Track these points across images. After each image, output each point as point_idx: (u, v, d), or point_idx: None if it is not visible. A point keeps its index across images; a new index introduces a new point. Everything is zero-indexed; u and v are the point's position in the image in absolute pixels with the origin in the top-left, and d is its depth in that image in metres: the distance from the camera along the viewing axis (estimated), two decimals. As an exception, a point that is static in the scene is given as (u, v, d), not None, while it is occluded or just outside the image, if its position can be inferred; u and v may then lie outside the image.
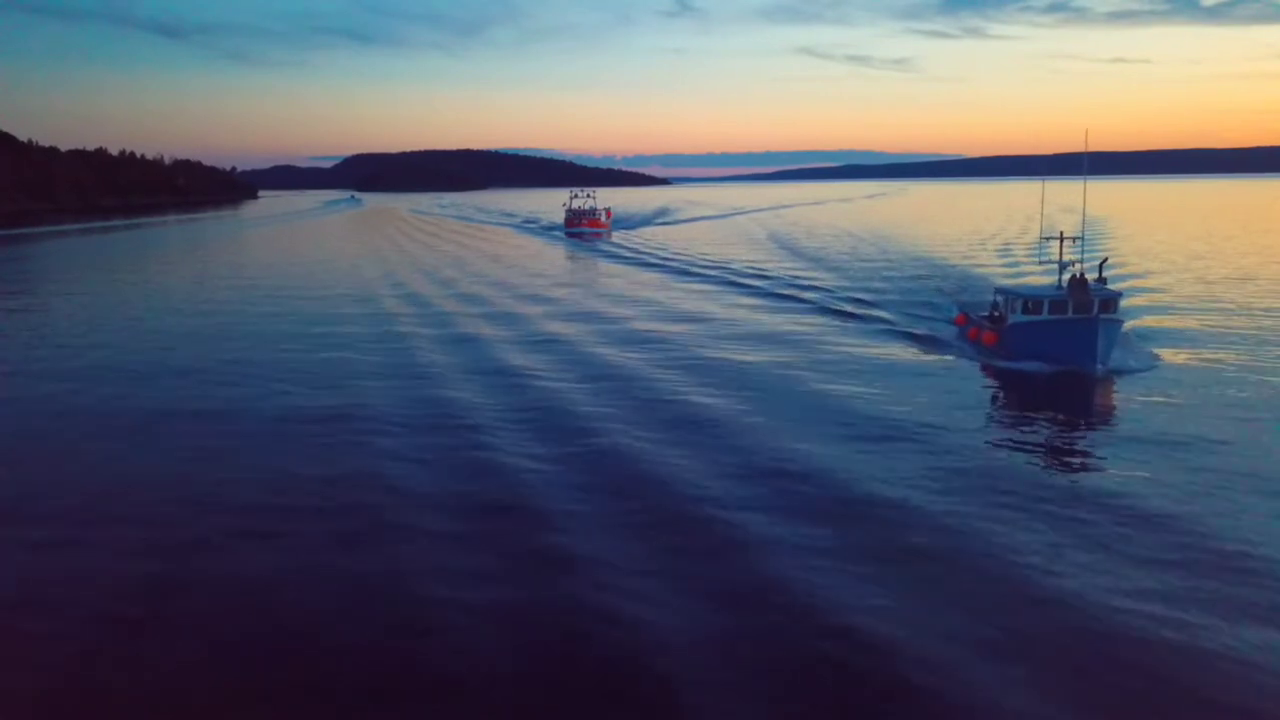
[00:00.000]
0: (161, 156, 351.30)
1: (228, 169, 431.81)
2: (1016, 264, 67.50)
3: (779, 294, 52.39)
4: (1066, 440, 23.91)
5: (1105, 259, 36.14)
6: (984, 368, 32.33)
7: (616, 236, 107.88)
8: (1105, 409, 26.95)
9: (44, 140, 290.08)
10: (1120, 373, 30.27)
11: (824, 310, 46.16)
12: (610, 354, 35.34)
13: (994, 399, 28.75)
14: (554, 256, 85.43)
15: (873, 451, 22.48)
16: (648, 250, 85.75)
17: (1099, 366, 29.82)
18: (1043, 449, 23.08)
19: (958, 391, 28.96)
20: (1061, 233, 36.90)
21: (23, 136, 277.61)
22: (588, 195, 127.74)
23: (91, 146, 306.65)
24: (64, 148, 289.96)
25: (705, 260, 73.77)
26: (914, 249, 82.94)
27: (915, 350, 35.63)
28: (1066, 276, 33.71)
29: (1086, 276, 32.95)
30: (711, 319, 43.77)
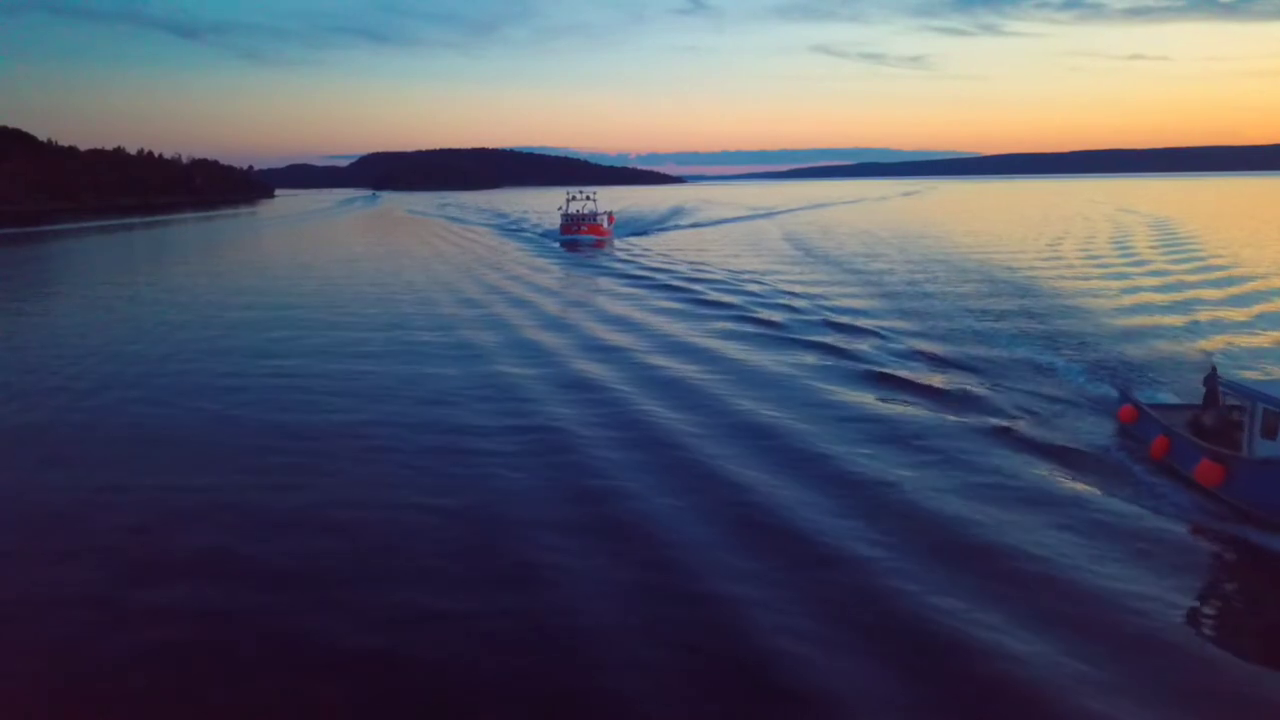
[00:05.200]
0: (179, 156, 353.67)
1: (244, 168, 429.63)
2: (1129, 285, 53.50)
3: (821, 344, 37.76)
4: None
5: None
6: (1200, 529, 18.45)
7: (623, 245, 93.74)
8: None
9: (63, 140, 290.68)
10: None
11: (888, 381, 31.15)
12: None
13: (1251, 605, 15.69)
14: (536, 284, 67.88)
15: None
16: (661, 265, 71.18)
17: None
18: None
19: (1163, 580, 15.93)
20: None
21: (42, 136, 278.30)
22: (587, 197, 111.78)
23: (110, 146, 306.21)
24: (83, 147, 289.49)
25: (731, 282, 58.48)
26: (979, 263, 67.96)
27: (1047, 471, 21.70)
28: None
29: None
30: (731, 383, 29.64)
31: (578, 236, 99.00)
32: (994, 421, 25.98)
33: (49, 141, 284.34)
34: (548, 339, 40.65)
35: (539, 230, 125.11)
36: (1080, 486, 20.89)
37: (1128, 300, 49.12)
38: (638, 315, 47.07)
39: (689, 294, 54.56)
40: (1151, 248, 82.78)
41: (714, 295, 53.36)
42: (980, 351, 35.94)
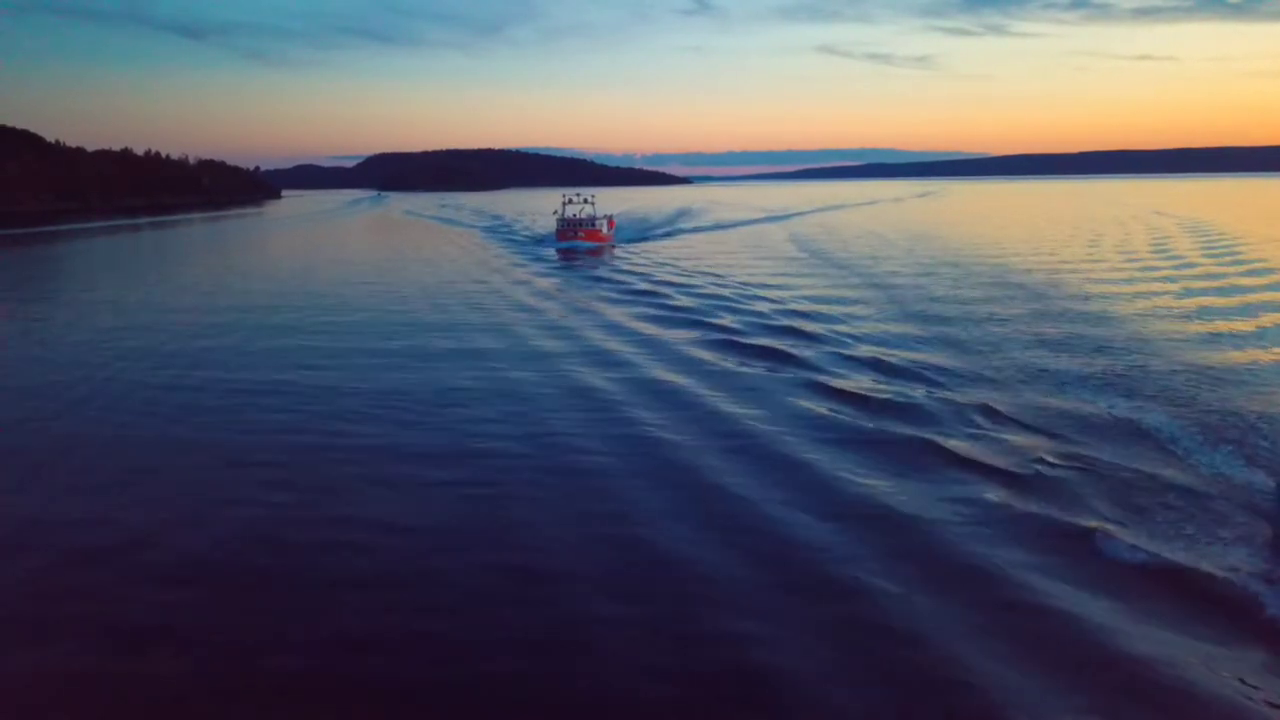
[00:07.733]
0: (186, 156, 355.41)
1: (251, 168, 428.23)
2: (1201, 304, 44.55)
3: (847, 391, 30.79)
4: None
5: None
6: None
7: (624, 253, 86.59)
8: None
9: (71, 141, 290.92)
10: None
11: (935, 453, 23.87)
12: None
13: None
14: (519, 301, 60.55)
15: None
16: (662, 277, 63.53)
17: None
18: None
19: None
20: None
21: (49, 137, 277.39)
22: (585, 200, 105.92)
23: (117, 146, 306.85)
24: (90, 148, 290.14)
25: (741, 301, 51.24)
26: (1022, 276, 59.19)
27: (1186, 646, 14.34)
28: None
29: None
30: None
31: (574, 243, 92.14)
32: (1083, 523, 18.48)
33: (56, 142, 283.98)
34: (523, 374, 33.80)
35: (532, 234, 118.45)
36: (1258, 690, 13.21)
37: (1204, 326, 41.63)
38: (625, 349, 39.83)
39: (691, 316, 47.48)
40: (1203, 255, 75.34)
41: (722, 320, 45.96)
42: (1048, 401, 28.51)
